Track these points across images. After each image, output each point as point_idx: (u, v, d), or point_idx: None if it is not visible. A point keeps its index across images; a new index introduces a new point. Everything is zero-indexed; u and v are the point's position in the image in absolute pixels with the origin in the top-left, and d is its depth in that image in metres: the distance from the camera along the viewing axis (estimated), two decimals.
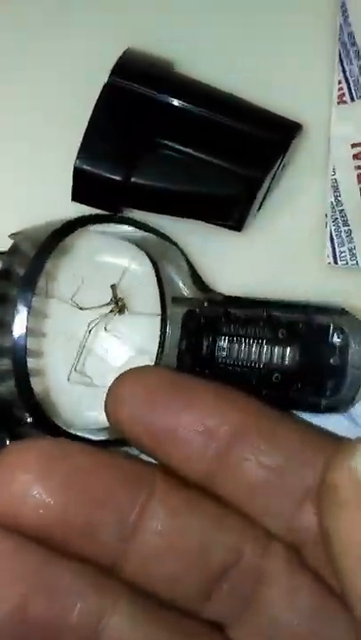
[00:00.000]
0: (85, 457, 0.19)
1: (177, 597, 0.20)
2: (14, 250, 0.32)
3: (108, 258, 0.35)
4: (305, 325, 0.32)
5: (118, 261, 0.35)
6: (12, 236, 0.33)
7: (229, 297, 0.34)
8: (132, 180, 0.32)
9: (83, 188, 0.32)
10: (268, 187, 0.35)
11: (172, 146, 0.32)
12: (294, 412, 0.30)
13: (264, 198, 0.35)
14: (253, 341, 0.32)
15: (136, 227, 0.33)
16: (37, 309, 0.34)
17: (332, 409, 0.31)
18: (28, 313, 0.30)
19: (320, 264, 0.36)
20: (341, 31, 0.36)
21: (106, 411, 0.20)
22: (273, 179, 0.35)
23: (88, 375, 0.33)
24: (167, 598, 0.20)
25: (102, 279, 0.35)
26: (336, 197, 0.35)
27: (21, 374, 0.29)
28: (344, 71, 0.36)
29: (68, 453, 0.18)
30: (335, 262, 0.35)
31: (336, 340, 0.31)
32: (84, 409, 0.33)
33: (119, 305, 0.35)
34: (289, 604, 0.20)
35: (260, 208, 0.36)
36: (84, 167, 0.32)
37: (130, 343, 0.34)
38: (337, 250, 0.35)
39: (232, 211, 0.34)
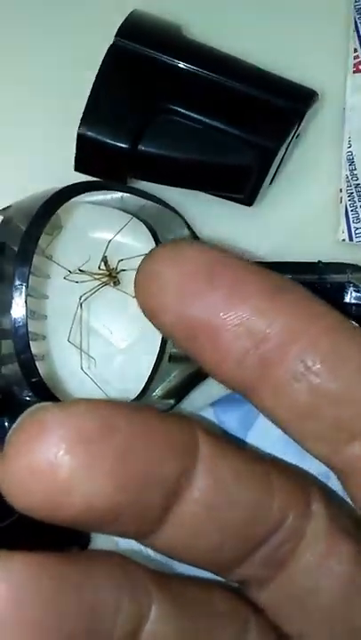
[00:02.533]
0: (132, 426, 0.15)
1: (211, 566, 0.18)
2: (6, 224, 0.30)
3: (106, 231, 0.33)
4: (318, 286, 0.30)
5: (117, 235, 0.33)
6: (2, 211, 0.31)
7: None
8: (139, 147, 0.30)
9: (86, 156, 0.30)
10: (281, 159, 0.33)
11: (182, 112, 0.30)
12: None
13: (276, 171, 0.34)
14: None
15: (135, 194, 0.31)
16: (36, 290, 0.32)
17: None
18: (27, 288, 0.28)
19: (333, 241, 0.34)
20: None
21: (135, 293, 0.16)
22: (286, 150, 0.33)
23: (93, 357, 0.32)
24: (200, 565, 0.18)
25: (100, 254, 0.33)
26: (351, 171, 0.34)
27: (24, 353, 0.27)
28: (360, 39, 0.34)
29: (113, 426, 0.15)
30: (350, 239, 0.33)
31: (353, 298, 0.30)
32: (94, 392, 0.31)
33: (113, 276, 0.33)
34: (326, 570, 0.18)
35: (271, 181, 0.34)
36: (88, 134, 0.30)
37: (134, 323, 0.32)
38: (352, 226, 0.33)
39: (243, 183, 0.32)
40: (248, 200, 0.33)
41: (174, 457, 0.16)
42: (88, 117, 0.30)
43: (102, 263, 0.33)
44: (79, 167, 0.30)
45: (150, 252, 0.16)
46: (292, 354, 0.15)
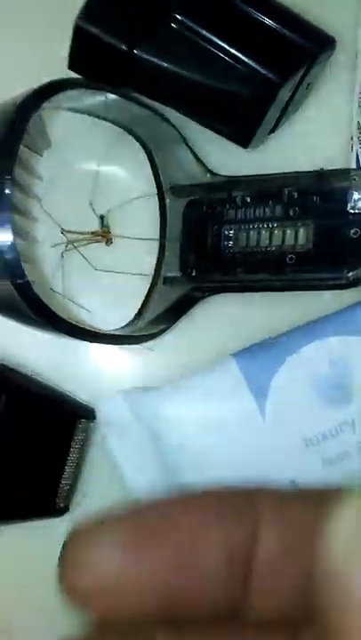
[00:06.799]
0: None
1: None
2: None
3: (94, 144, 0.30)
4: (319, 197, 0.28)
5: (106, 165, 0.29)
6: None
7: (234, 177, 0.29)
8: (140, 54, 0.27)
9: (82, 53, 0.27)
10: (286, 106, 0.30)
11: (189, 25, 0.27)
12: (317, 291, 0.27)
13: (280, 118, 0.31)
14: (262, 224, 0.28)
15: (126, 99, 0.28)
16: (24, 210, 0.28)
17: (356, 282, 0.27)
18: (12, 182, 0.23)
19: None
20: None
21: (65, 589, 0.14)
22: (292, 97, 0.30)
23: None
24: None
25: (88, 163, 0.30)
26: None
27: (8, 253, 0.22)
28: None
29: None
30: None
31: (357, 208, 0.27)
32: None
33: (107, 237, 0.30)
34: None
35: (274, 129, 0.31)
36: (87, 27, 0.26)
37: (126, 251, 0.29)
38: None
39: (241, 116, 0.29)
40: (244, 139, 0.29)
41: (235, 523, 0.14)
42: (88, 11, 0.26)
43: (100, 222, 0.31)
44: (73, 65, 0.27)
45: (67, 540, 0.14)
46: (261, 547, 0.14)
